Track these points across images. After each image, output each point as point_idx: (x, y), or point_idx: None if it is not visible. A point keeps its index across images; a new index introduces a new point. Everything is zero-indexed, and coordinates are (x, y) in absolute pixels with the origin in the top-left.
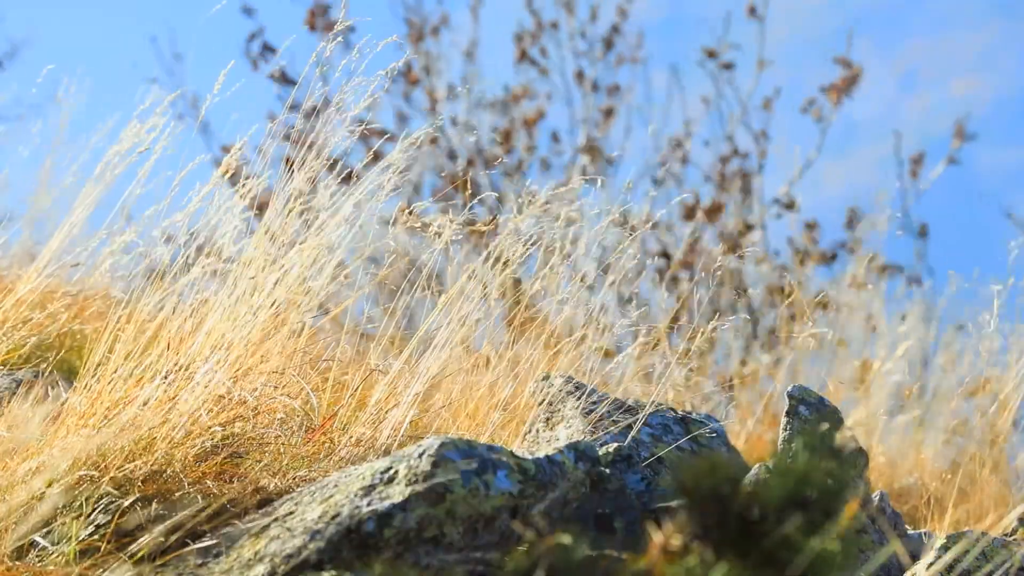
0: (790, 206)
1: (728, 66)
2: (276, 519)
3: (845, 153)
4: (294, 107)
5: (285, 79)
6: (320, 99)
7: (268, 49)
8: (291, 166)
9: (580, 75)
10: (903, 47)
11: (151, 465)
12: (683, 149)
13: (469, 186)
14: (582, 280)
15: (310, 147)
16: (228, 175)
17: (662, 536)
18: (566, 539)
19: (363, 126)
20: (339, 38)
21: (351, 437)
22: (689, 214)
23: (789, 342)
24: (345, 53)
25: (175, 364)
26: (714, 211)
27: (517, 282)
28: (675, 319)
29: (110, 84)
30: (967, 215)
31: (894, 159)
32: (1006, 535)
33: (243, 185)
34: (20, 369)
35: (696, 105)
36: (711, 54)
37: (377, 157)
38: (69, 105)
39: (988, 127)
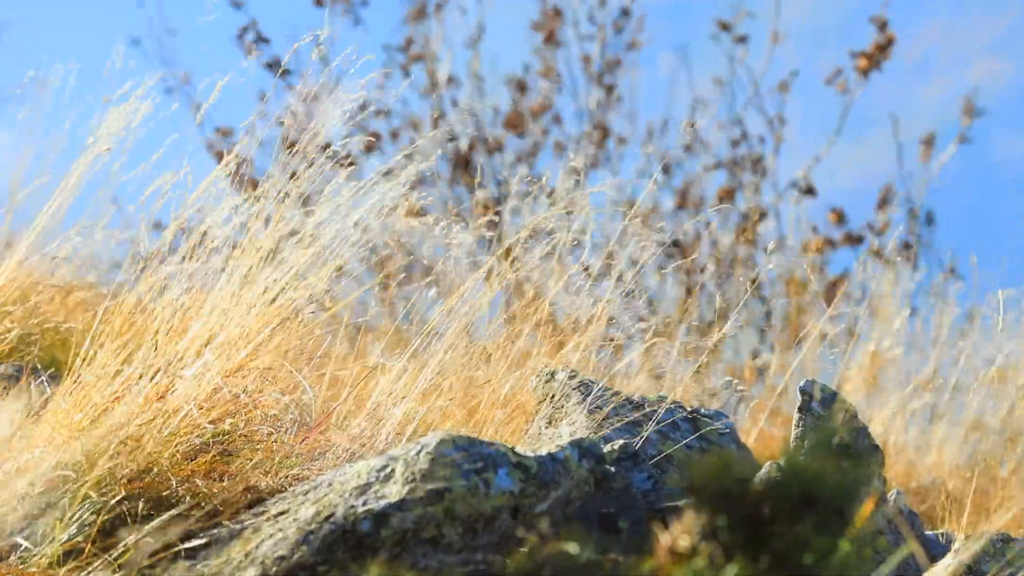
0: (808, 191)
1: (743, 39)
2: (268, 519)
3: (856, 140)
4: (290, 88)
5: (279, 68)
6: (318, 82)
7: (262, 40)
8: (290, 147)
9: (587, 60)
10: (918, 30)
11: (138, 463)
12: (693, 132)
13: (471, 171)
14: (587, 271)
15: (307, 131)
16: (221, 159)
17: (669, 537)
18: (569, 541)
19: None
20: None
21: (347, 434)
22: (698, 201)
23: (802, 335)
24: (350, 31)
25: (165, 359)
26: (725, 197)
27: (521, 272)
28: (684, 311)
29: (99, 69)
30: (983, 201)
31: (894, 144)
32: None
33: (237, 170)
34: (2, 364)
35: (706, 87)
36: (724, 26)
37: (376, 138)
38: (53, 89)
39: (1006, 112)
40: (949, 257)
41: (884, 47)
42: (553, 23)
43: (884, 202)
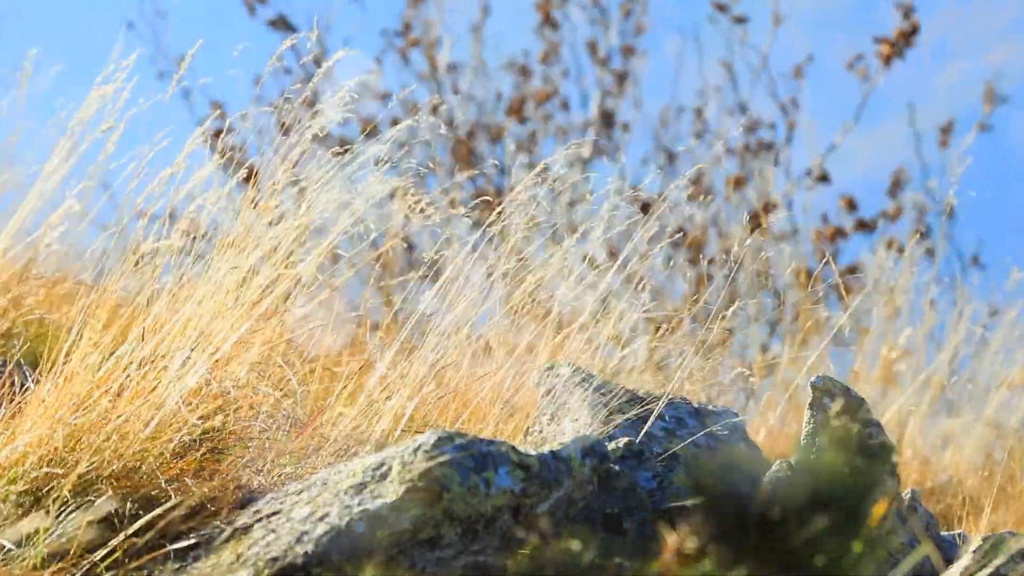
0: (822, 178)
1: (741, 20)
2: (259, 519)
3: (870, 128)
4: (287, 71)
5: (285, 26)
6: (314, 61)
7: None
8: (285, 130)
9: (593, 46)
10: (934, 15)
11: (124, 461)
12: (701, 119)
13: (471, 158)
14: (591, 262)
15: (302, 114)
16: (211, 142)
17: (676, 538)
18: (572, 542)
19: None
20: None
21: (341, 431)
22: (707, 190)
23: (813, 329)
24: (347, 12)
25: (151, 352)
26: (736, 185)
27: (522, 264)
28: (692, 303)
29: (88, 54)
30: (1000, 188)
31: (910, 132)
32: None
33: (229, 154)
34: None
35: (715, 72)
36: (721, 7)
37: (371, 126)
38: (40, 75)
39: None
40: (970, 246)
41: (909, 34)
42: (550, 3)
43: (896, 186)
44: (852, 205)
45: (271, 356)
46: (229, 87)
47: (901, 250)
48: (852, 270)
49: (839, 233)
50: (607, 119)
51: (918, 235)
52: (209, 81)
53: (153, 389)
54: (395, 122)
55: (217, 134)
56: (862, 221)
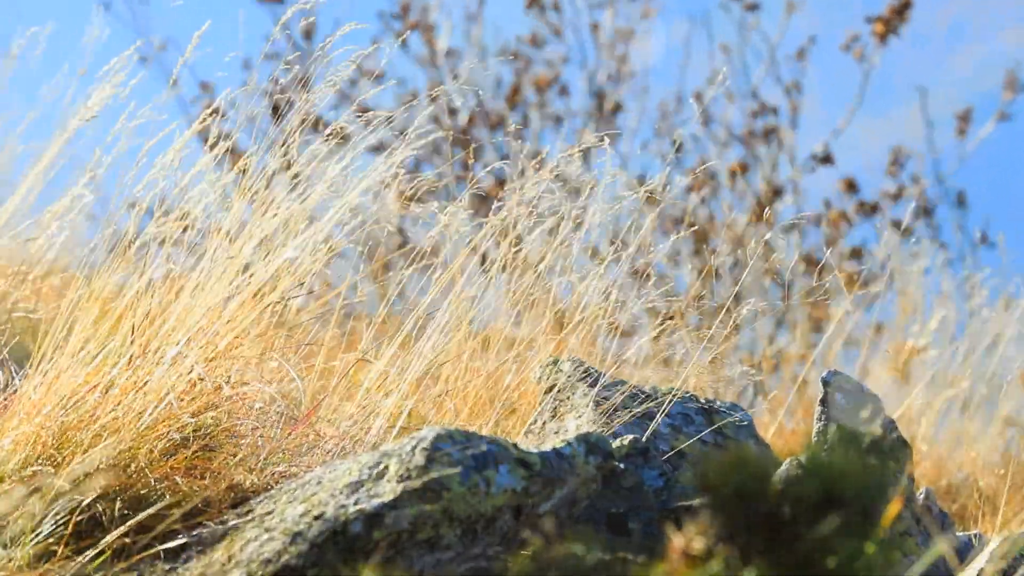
0: (826, 160)
1: (753, 7)
2: (253, 519)
3: (883, 113)
4: (275, 55)
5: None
6: (304, 42)
7: None
8: (278, 114)
9: (596, 28)
10: (946, 2)
11: (114, 459)
12: (703, 105)
13: (470, 147)
14: (593, 253)
15: (295, 100)
16: (200, 129)
17: (682, 538)
18: (575, 542)
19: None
20: None
21: (337, 429)
22: (711, 179)
23: (822, 321)
24: None
25: (142, 347)
26: (740, 172)
27: (523, 256)
28: (697, 296)
29: (70, 36)
30: (1009, 175)
31: (922, 117)
32: None
33: (218, 142)
34: None
35: (722, 58)
36: None
37: (366, 112)
38: (21, 57)
39: None
40: (979, 226)
41: (901, 10)
42: None
43: (895, 164)
44: (852, 186)
45: (266, 351)
46: (219, 69)
47: (906, 230)
48: (855, 253)
49: (843, 217)
50: (601, 101)
51: (923, 212)
52: (198, 64)
53: (144, 384)
54: (393, 113)
55: (206, 120)
56: (863, 203)
